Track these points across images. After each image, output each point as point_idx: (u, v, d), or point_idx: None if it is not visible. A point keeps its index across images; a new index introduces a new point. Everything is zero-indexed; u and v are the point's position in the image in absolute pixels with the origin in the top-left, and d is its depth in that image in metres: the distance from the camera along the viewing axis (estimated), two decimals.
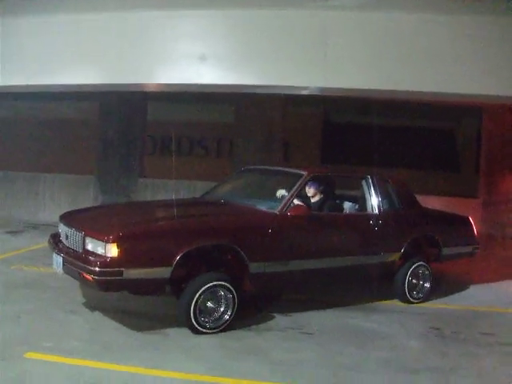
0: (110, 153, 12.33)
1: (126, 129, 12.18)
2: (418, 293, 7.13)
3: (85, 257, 5.23)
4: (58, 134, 15.19)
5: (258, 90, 7.41)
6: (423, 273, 7.17)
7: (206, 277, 5.52)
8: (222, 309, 5.56)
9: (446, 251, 7.50)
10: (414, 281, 7.09)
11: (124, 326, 5.55)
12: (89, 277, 5.08)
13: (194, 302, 5.33)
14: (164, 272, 5.21)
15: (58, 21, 6.83)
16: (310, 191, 6.90)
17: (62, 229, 5.92)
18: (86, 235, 5.33)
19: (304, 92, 7.57)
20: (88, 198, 12.17)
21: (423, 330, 6.13)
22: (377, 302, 6.99)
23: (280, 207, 6.09)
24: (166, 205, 7.02)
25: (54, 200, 12.53)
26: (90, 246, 5.26)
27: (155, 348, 5.08)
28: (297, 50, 6.59)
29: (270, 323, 6.00)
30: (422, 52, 6.74)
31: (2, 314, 5.74)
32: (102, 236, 5.12)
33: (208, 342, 5.31)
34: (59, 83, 7.10)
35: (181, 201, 7.18)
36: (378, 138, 14.55)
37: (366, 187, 6.98)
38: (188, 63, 6.54)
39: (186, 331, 5.46)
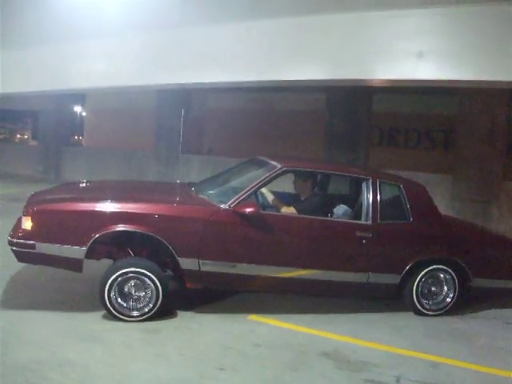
0: (336, 143, 13.10)
1: (351, 120, 12.84)
2: (434, 303, 6.16)
3: (15, 229, 5.42)
4: (287, 125, 16.38)
5: (474, 85, 7.60)
6: (445, 278, 6.13)
7: (125, 262, 5.39)
8: (147, 298, 5.35)
9: (478, 282, 6.21)
10: (433, 288, 6.14)
11: (337, 302, 6.31)
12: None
13: (108, 286, 5.21)
14: (77, 252, 5.19)
15: (282, 23, 7.79)
16: (295, 187, 6.49)
17: None
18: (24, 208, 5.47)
19: None
20: None
21: None
22: None
23: (231, 201, 5.52)
24: (125, 186, 6.99)
25: None
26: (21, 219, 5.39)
27: (362, 323, 5.82)
28: None
29: (479, 312, 6.43)
30: None
31: None
32: (25, 209, 5.32)
33: (413, 323, 5.93)
34: (286, 79, 8.08)
35: (148, 184, 7.23)
36: None
37: (364, 191, 6.00)
38: (405, 59, 7.03)
39: (396, 312, 6.18)
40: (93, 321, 5.28)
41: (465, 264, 6.10)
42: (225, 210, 5.50)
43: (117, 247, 5.75)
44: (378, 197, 5.94)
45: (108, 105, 19.49)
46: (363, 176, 6.15)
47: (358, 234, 5.81)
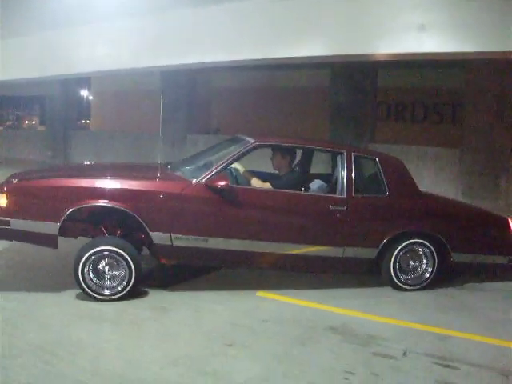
0: (341, 119, 13.11)
1: (357, 95, 12.82)
2: (413, 278, 6.11)
3: None
4: (293, 101, 16.38)
5: (479, 56, 7.55)
6: (423, 252, 6.08)
7: (98, 240, 5.43)
8: (121, 275, 5.36)
9: (459, 257, 6.17)
10: (412, 263, 6.11)
11: (341, 279, 6.33)
12: None
13: (81, 264, 5.24)
14: (51, 228, 5.25)
15: (284, 1, 7.77)
16: (273, 164, 6.43)
17: None
18: None
19: None
20: None
21: None
22: None
23: (202, 176, 5.53)
24: (106, 166, 7.15)
25: None
26: None
27: (371, 298, 5.86)
28: None
29: (484, 284, 6.47)
30: None
31: None
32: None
33: (421, 297, 5.94)
34: (288, 56, 8.06)
35: (128, 164, 7.39)
36: None
37: (339, 165, 5.98)
38: (407, 33, 7.00)
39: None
40: (101, 301, 5.33)
41: (443, 238, 6.05)
42: (196, 184, 5.50)
43: (93, 225, 5.78)
44: (353, 170, 5.91)
45: (113, 88, 19.54)
46: (337, 150, 6.11)
47: (332, 207, 5.78)
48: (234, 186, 5.72)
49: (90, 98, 28.87)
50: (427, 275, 6.10)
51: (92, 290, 5.30)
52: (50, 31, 11.36)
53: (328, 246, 5.86)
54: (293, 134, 14.20)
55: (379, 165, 6.09)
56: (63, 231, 5.48)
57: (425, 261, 6.09)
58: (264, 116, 16.33)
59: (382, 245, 5.90)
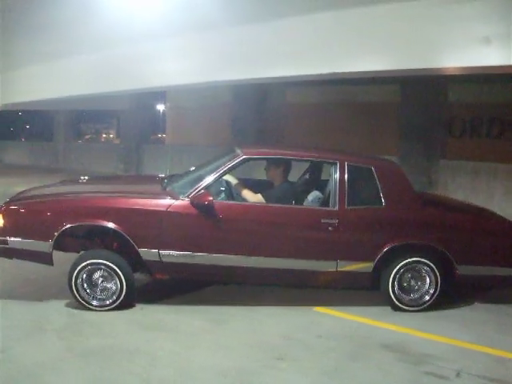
0: (411, 134, 13.01)
1: (426, 111, 12.71)
2: (415, 299, 5.83)
3: None
4: (361, 117, 16.30)
5: None
6: (426, 271, 5.77)
7: (89, 254, 5.61)
8: (113, 288, 5.52)
9: (464, 270, 5.77)
10: (413, 282, 5.81)
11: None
12: None
13: (74, 276, 5.43)
14: (45, 246, 5.47)
15: (349, 14, 7.79)
16: (267, 174, 6.37)
17: None
18: None
19: None
20: None
21: None
22: None
23: (188, 192, 5.57)
24: (100, 181, 7.52)
25: None
26: None
27: (428, 315, 5.77)
28: None
29: None
30: None
31: None
32: None
33: (480, 315, 5.84)
34: (352, 71, 8.06)
35: (125, 178, 7.65)
36: None
37: (332, 176, 5.78)
38: (471, 46, 6.85)
39: (463, 306, 6.07)
40: (161, 311, 5.55)
41: (446, 250, 5.74)
42: (182, 201, 5.56)
43: (91, 241, 5.96)
44: (346, 181, 5.72)
45: (186, 102, 19.93)
46: (330, 160, 5.98)
47: (324, 220, 5.62)
48: (219, 201, 5.72)
49: (166, 112, 29.56)
50: (427, 298, 5.84)
51: (86, 301, 5.49)
52: (120, 46, 11.72)
53: (321, 260, 5.71)
54: (361, 149, 14.16)
55: (375, 174, 5.83)
56: (64, 247, 5.90)
57: (428, 279, 5.82)
58: (335, 131, 16.31)
59: (377, 259, 5.69)
